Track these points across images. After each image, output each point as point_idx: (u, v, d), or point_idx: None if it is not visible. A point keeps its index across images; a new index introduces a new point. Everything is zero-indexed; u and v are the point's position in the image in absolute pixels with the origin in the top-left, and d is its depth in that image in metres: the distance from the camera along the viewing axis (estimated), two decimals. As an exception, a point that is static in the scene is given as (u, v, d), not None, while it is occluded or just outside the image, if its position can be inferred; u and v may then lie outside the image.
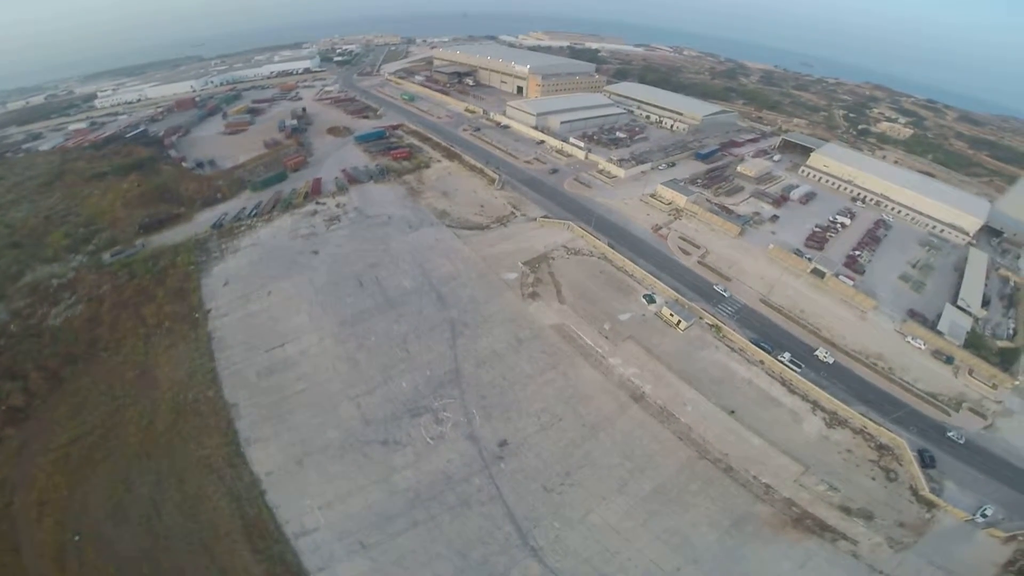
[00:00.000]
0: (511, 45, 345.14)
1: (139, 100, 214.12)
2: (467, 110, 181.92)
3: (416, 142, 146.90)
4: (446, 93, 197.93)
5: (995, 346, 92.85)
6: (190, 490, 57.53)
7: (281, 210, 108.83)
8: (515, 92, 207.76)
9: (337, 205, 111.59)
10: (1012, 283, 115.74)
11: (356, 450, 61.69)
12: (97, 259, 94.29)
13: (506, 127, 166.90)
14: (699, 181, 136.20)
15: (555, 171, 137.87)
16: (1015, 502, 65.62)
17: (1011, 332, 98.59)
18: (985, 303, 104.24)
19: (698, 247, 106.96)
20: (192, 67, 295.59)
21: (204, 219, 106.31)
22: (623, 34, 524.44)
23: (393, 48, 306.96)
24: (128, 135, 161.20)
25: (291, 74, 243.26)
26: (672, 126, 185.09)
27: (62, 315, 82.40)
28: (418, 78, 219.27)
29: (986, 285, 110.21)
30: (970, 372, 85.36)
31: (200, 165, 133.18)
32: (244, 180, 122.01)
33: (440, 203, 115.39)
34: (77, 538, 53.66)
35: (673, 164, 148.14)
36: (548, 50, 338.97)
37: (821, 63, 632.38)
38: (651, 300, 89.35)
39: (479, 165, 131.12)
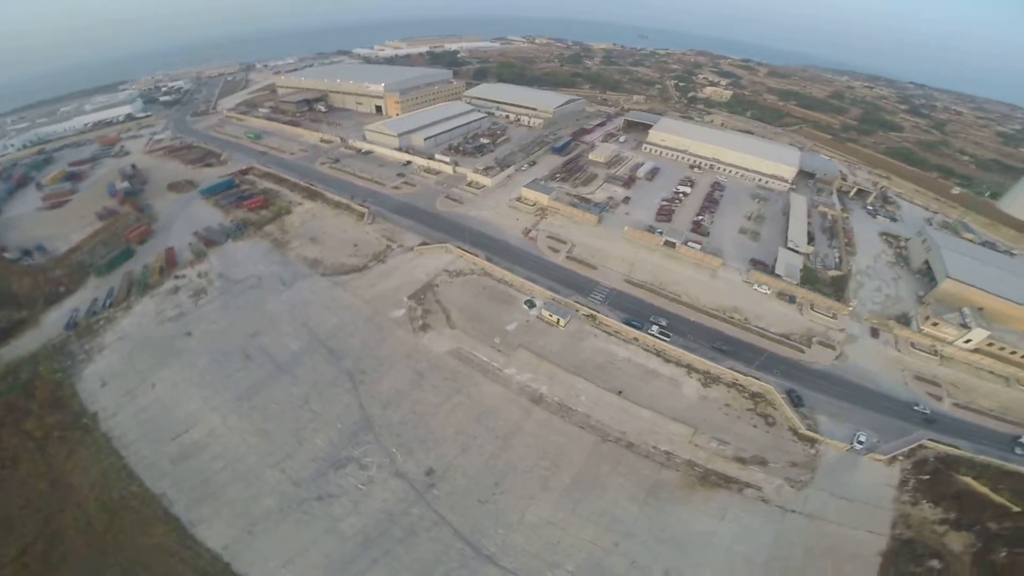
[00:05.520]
0: (366, 59, 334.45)
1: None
2: (322, 140, 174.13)
3: (271, 185, 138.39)
4: (297, 124, 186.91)
5: (827, 277, 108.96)
6: (159, 572, 58.64)
7: (138, 293, 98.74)
8: (374, 112, 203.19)
9: (199, 275, 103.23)
10: (829, 217, 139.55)
11: (296, 510, 63.64)
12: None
13: (368, 153, 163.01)
14: (558, 176, 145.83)
15: (425, 191, 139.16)
16: (881, 424, 77.68)
17: (837, 261, 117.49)
18: (811, 240, 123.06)
19: (564, 243, 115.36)
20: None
21: (53, 320, 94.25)
22: (480, 30, 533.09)
23: (230, 79, 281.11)
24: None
25: (111, 123, 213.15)
26: (529, 123, 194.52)
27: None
28: (263, 110, 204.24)
29: (809, 223, 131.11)
30: (812, 307, 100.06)
31: (27, 253, 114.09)
32: (85, 264, 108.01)
33: (310, 251, 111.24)
34: None
35: (534, 163, 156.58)
36: (407, 59, 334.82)
37: (655, 34, 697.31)
38: (531, 305, 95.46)
39: (345, 201, 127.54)
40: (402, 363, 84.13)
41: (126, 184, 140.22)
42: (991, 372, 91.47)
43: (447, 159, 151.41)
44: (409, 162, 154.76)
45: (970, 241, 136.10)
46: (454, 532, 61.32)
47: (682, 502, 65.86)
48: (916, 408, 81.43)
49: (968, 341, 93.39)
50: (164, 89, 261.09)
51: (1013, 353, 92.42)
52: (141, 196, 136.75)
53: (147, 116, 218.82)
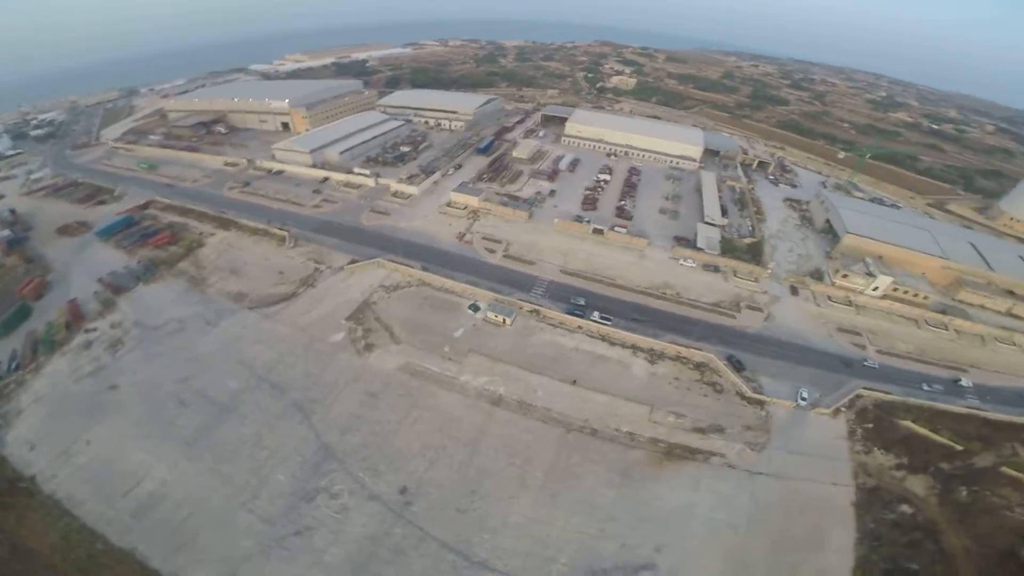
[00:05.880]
0: (265, 76, 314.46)
1: None
2: (227, 164, 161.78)
3: (177, 218, 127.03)
4: (195, 149, 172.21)
5: (743, 244, 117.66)
6: (154, 625, 55.72)
7: (46, 352, 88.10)
8: (280, 129, 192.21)
9: (112, 326, 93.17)
10: (737, 189, 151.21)
11: (276, 547, 61.25)
12: None
13: (280, 172, 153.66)
14: (485, 176, 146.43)
15: (347, 207, 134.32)
16: (817, 377, 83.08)
17: (750, 229, 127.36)
18: (725, 212, 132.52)
19: (500, 242, 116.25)
20: None
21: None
22: (390, 38, 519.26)
23: (111, 106, 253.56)
24: None
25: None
26: (450, 126, 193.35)
27: None
28: (154, 138, 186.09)
29: (721, 197, 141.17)
30: (735, 274, 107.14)
31: None
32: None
33: (232, 284, 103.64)
34: None
35: (460, 166, 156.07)
36: (310, 71, 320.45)
37: (562, 28, 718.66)
38: (476, 308, 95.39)
39: (262, 226, 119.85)
40: (351, 387, 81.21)
41: (7, 232, 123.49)
42: (902, 316, 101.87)
43: (367, 171, 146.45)
44: (326, 178, 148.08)
45: (861, 199, 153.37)
46: (441, 545, 60.65)
47: (654, 479, 68.04)
48: (866, 364, 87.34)
49: (876, 289, 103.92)
50: (34, 122, 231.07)
51: (916, 296, 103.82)
52: (28, 244, 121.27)
53: (18, 153, 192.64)
